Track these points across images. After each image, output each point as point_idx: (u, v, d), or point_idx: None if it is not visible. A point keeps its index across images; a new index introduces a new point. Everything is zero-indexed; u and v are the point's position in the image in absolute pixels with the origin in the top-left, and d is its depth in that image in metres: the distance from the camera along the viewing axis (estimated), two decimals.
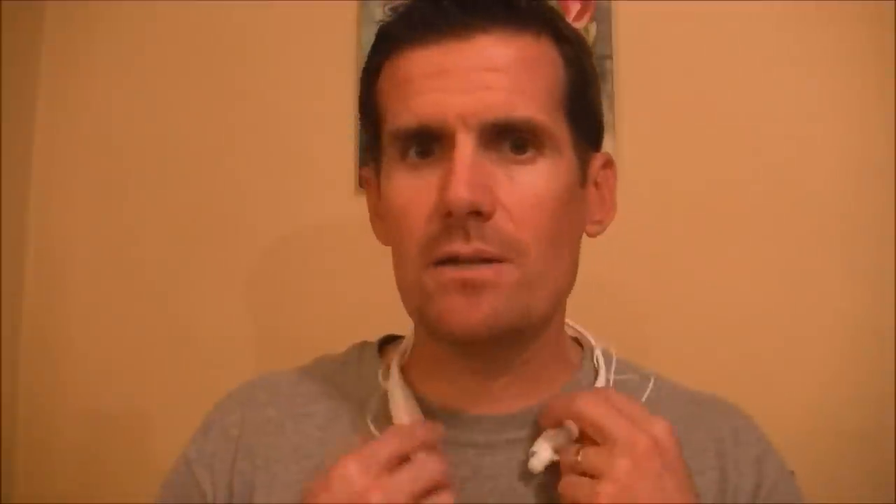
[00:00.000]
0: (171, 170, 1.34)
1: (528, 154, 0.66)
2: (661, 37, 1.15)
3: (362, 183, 0.78)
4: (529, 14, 0.69)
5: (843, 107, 1.08)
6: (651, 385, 0.73)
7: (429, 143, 0.66)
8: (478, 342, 0.66)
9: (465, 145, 0.64)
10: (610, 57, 1.15)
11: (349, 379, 0.77)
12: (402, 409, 0.70)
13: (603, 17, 1.16)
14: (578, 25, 1.17)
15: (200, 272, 1.30)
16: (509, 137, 0.66)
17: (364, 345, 0.80)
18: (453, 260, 0.64)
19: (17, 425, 1.33)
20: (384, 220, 0.72)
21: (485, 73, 0.65)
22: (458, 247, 0.64)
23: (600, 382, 0.73)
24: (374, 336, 0.81)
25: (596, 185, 0.73)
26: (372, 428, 0.71)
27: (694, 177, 1.12)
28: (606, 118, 1.13)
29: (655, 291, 1.12)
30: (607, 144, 1.12)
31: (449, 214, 0.63)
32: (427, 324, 0.67)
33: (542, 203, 0.65)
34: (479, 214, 0.63)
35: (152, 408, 1.29)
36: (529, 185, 0.65)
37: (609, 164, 0.75)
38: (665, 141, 1.13)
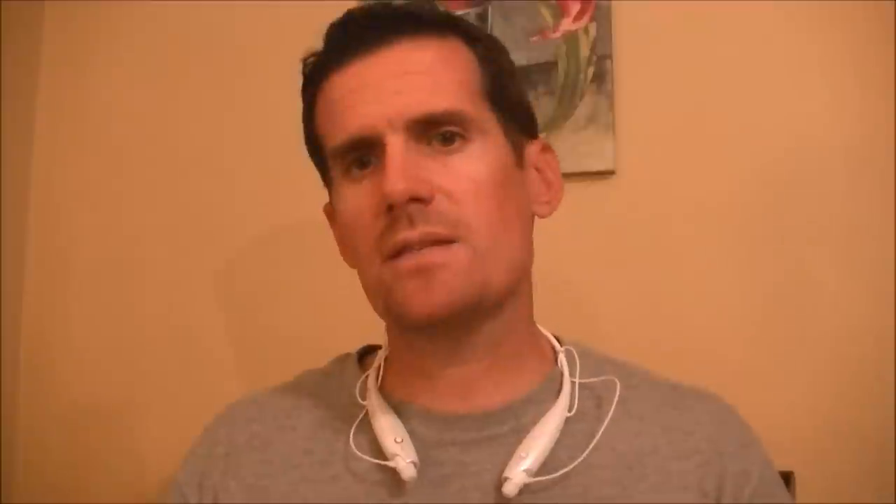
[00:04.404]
0: (170, 170, 1.34)
1: (457, 143, 0.70)
2: (661, 37, 1.15)
3: (326, 217, 0.81)
4: (434, 20, 0.74)
5: (843, 106, 1.08)
6: (618, 386, 0.72)
7: (366, 154, 0.70)
8: (440, 322, 0.68)
9: (395, 144, 0.67)
10: (609, 57, 1.15)
11: (332, 389, 0.78)
12: (387, 430, 0.71)
13: (603, 17, 1.16)
14: (578, 25, 1.17)
15: (199, 272, 1.30)
16: (436, 132, 0.69)
17: (345, 357, 0.82)
18: (406, 249, 0.67)
19: (17, 425, 1.34)
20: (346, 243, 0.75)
21: (402, 78, 0.69)
22: (406, 234, 0.66)
23: (565, 390, 0.73)
24: (366, 336, 0.81)
25: (538, 169, 0.77)
26: (354, 449, 0.71)
27: (693, 176, 1.12)
28: (606, 118, 1.15)
29: (654, 291, 1.12)
30: (607, 145, 1.14)
31: (391, 207, 0.66)
32: (392, 315, 0.70)
33: (477, 183, 0.69)
34: (419, 201, 0.66)
35: (152, 408, 1.29)
36: (463, 168, 0.69)
37: (547, 148, 0.78)
38: (664, 141, 1.13)
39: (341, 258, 0.78)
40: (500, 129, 0.72)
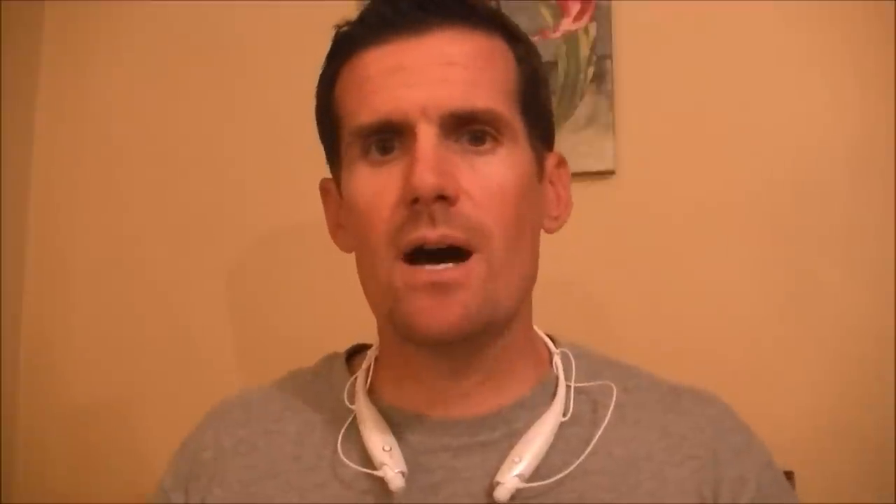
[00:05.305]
0: (170, 170, 1.34)
1: (487, 145, 0.67)
2: (661, 37, 1.15)
3: (321, 193, 0.78)
4: (482, 13, 0.71)
5: (843, 106, 1.08)
6: (615, 390, 0.71)
7: (390, 139, 0.67)
8: (450, 342, 0.66)
9: (427, 135, 0.65)
10: (609, 57, 1.15)
11: (321, 390, 0.76)
12: (375, 438, 0.69)
13: (603, 17, 1.16)
14: (578, 25, 1.17)
15: (200, 272, 1.30)
16: (468, 129, 0.66)
17: (333, 356, 0.80)
18: (420, 251, 0.64)
19: (17, 425, 1.33)
20: (346, 226, 0.73)
21: (443, 67, 0.66)
22: (425, 232, 0.64)
23: (559, 394, 0.71)
24: (366, 337, 0.80)
25: (551, 182, 0.75)
26: (342, 457, 0.70)
27: (694, 176, 1.12)
28: (606, 118, 1.15)
29: (654, 291, 1.12)
30: (607, 144, 1.14)
31: (416, 200, 0.63)
32: (397, 325, 0.67)
33: (503, 190, 0.66)
34: (444, 199, 0.64)
35: (153, 408, 1.29)
36: (490, 172, 0.66)
37: (562, 163, 0.77)
38: (664, 141, 1.13)
39: (341, 258, 0.76)
40: (526, 138, 0.70)
